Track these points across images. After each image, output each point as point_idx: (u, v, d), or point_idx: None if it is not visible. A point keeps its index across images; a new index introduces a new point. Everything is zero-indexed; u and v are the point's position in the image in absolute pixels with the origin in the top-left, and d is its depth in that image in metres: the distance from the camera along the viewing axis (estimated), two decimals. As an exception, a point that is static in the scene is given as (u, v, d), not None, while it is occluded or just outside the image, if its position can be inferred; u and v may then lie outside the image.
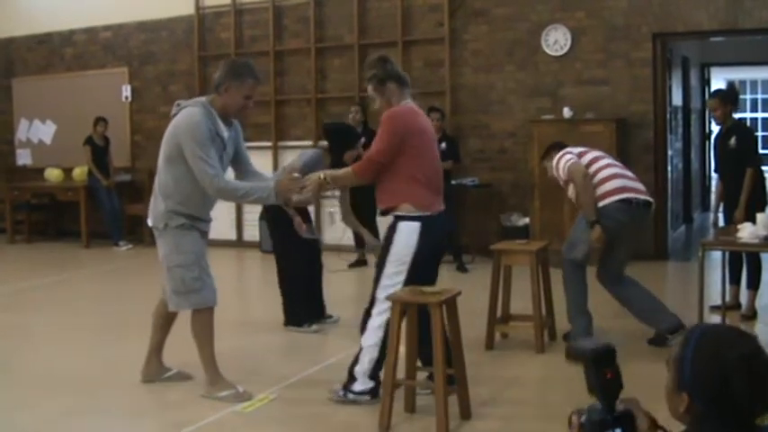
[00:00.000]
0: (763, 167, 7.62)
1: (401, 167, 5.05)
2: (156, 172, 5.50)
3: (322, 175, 5.20)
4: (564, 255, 6.59)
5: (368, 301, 5.25)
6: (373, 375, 5.19)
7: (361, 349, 5.21)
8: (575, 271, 6.54)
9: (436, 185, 5.24)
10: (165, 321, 5.82)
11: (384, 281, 5.11)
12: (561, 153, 6.69)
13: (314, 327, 7.31)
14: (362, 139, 10.52)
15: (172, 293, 5.46)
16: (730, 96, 7.59)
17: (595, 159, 6.57)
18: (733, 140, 7.40)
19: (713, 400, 2.08)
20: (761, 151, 8.44)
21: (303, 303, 7.38)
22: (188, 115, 5.25)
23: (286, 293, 7.38)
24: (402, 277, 5.06)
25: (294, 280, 7.33)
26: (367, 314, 5.22)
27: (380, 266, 5.16)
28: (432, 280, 5.23)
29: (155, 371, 5.88)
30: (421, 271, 5.08)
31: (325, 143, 7.74)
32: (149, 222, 5.56)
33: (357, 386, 5.23)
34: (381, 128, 5.08)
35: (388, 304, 4.94)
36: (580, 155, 6.60)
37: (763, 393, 2.06)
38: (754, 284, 7.45)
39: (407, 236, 5.05)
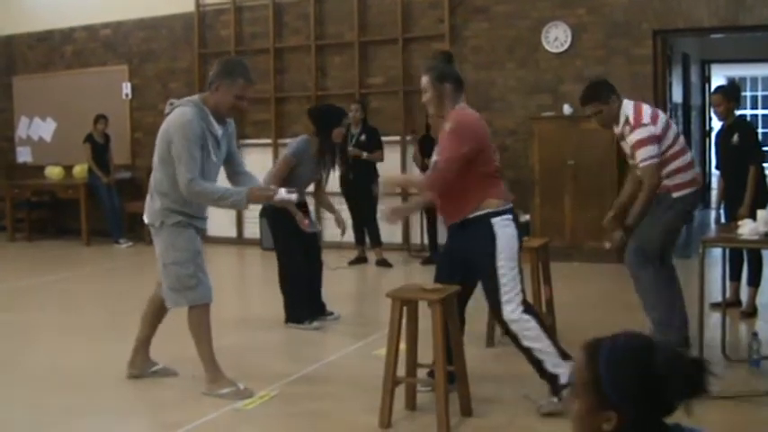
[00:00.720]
0: (765, 164, 7.58)
1: (471, 169, 4.95)
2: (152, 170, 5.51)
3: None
4: (636, 261, 6.19)
5: (492, 312, 5.27)
6: (564, 356, 4.93)
7: (528, 351, 5.01)
8: (658, 271, 6.19)
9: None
10: (154, 317, 5.85)
11: (505, 283, 4.97)
12: (635, 117, 6.00)
13: (314, 324, 7.31)
14: (363, 136, 10.62)
15: (168, 290, 5.48)
16: (733, 93, 7.56)
17: (675, 139, 6.09)
18: (735, 137, 7.36)
19: (644, 403, 2.07)
20: (765, 149, 8.42)
21: (304, 301, 7.38)
22: (180, 114, 5.27)
23: (287, 291, 7.39)
24: (517, 270, 5.01)
25: (295, 277, 7.33)
26: (502, 323, 5.09)
27: (492, 272, 4.98)
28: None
29: (140, 365, 5.89)
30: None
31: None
32: (146, 220, 5.59)
33: (563, 378, 4.87)
34: (451, 136, 4.95)
35: (517, 301, 4.97)
36: (661, 136, 5.99)
37: (681, 380, 2.06)
38: (755, 282, 7.45)
39: (506, 228, 5.00)
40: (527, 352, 4.99)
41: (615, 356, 2.09)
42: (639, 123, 5.92)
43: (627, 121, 6.00)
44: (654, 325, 6.09)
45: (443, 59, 5.26)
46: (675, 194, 6.02)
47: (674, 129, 6.14)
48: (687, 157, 6.12)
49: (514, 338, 5.02)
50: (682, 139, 6.18)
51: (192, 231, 5.49)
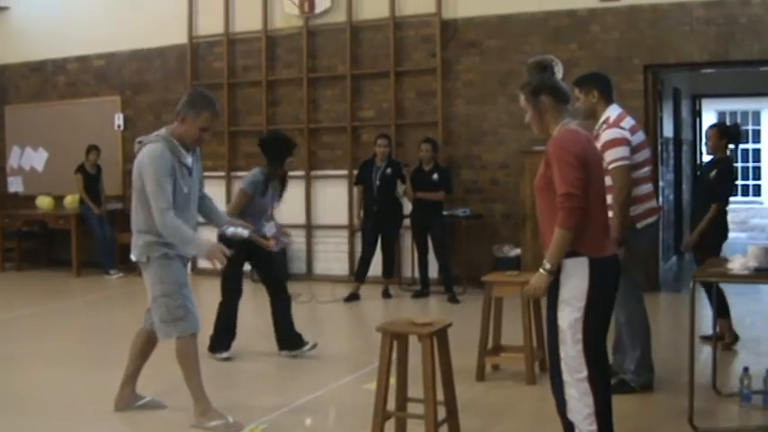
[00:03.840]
0: (728, 207, 7.75)
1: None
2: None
3: (542, 269, 4.28)
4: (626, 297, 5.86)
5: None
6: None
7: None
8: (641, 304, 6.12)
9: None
10: (142, 351, 5.85)
11: None
12: (615, 119, 5.96)
13: (224, 354, 7.40)
14: (388, 170, 10.63)
15: (160, 323, 5.47)
16: (728, 132, 7.68)
17: (644, 163, 6.05)
18: (713, 173, 7.53)
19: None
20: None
21: (222, 331, 7.46)
22: (150, 150, 5.34)
23: (220, 320, 7.49)
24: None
25: (227, 307, 7.45)
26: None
27: None
28: None
29: (127, 399, 5.88)
30: None
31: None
32: (133, 258, 5.60)
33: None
34: (556, 161, 4.22)
35: (581, 359, 4.29)
36: (634, 149, 5.93)
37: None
38: (722, 313, 7.40)
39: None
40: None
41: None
42: (616, 125, 5.95)
43: (606, 120, 6.02)
44: (634, 364, 6.07)
45: (536, 71, 4.75)
46: (639, 225, 6.00)
47: (646, 153, 6.12)
48: (650, 187, 6.13)
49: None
50: (649, 168, 6.13)
51: (179, 262, 5.51)
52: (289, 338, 7.46)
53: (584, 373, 4.25)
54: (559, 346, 4.32)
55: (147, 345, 5.81)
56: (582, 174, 4.16)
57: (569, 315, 4.25)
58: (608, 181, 5.77)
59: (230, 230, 5.82)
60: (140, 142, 5.48)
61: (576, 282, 4.23)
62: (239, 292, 7.53)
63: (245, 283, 7.69)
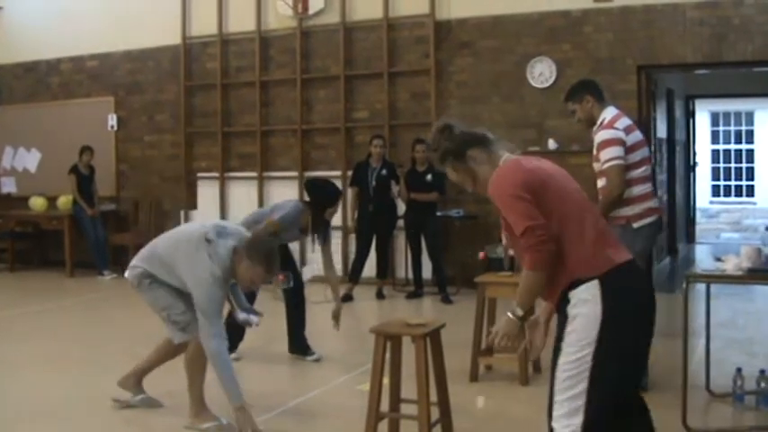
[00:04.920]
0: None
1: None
2: (155, 240, 5.63)
3: (510, 314, 3.62)
4: None
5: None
6: None
7: None
8: None
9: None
10: (162, 355, 5.89)
11: None
12: (610, 120, 5.99)
13: (232, 356, 7.38)
14: (384, 171, 10.63)
15: (170, 331, 5.56)
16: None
17: (641, 163, 6.02)
18: None
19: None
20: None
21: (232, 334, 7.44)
22: (206, 269, 5.19)
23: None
24: None
25: None
26: None
27: None
28: None
29: (129, 385, 5.94)
30: None
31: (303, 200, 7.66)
32: (126, 275, 5.66)
33: None
34: (501, 205, 3.56)
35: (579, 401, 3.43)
36: (629, 149, 5.93)
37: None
38: None
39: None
40: None
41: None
42: (611, 126, 5.95)
43: (602, 122, 6.02)
44: None
45: (443, 136, 3.88)
46: (636, 225, 5.97)
47: (644, 153, 6.08)
48: (647, 187, 6.07)
49: None
50: (648, 167, 6.10)
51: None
52: (296, 343, 7.47)
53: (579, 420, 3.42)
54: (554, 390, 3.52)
55: (168, 352, 5.84)
56: (531, 201, 3.46)
57: (574, 354, 3.44)
58: (600, 183, 5.80)
59: (242, 316, 5.81)
60: (209, 241, 5.29)
61: (586, 310, 3.42)
62: (252, 295, 7.49)
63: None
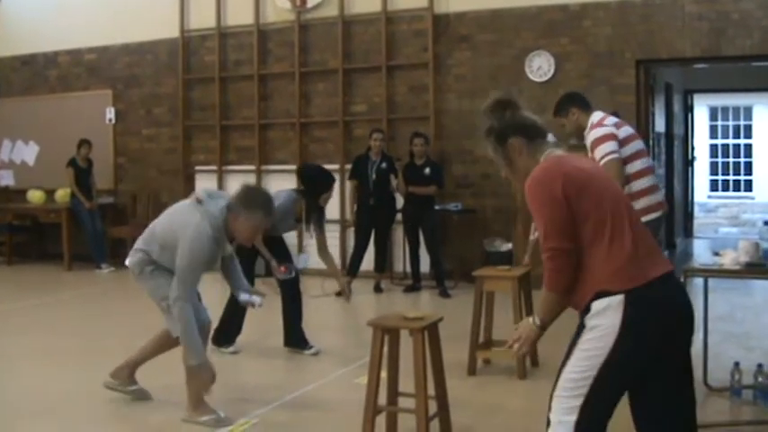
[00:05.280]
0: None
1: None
2: (154, 221, 5.63)
3: (532, 321, 3.58)
4: None
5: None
6: None
7: None
8: None
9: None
10: (156, 347, 5.90)
11: None
12: (598, 120, 6.05)
13: (231, 348, 7.44)
14: (383, 164, 10.63)
15: (169, 323, 5.53)
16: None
17: (637, 155, 6.05)
18: None
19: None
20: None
21: (231, 327, 7.49)
22: (198, 233, 5.21)
23: (227, 315, 7.49)
24: None
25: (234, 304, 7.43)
26: None
27: None
28: None
29: (121, 377, 5.94)
30: None
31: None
32: (127, 264, 5.68)
33: None
34: (533, 211, 3.50)
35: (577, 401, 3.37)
36: (622, 142, 5.98)
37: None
38: None
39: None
40: None
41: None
42: (600, 124, 6.01)
43: (591, 124, 6.08)
44: None
45: (496, 112, 3.69)
46: (644, 219, 5.98)
47: (638, 146, 6.10)
48: (651, 179, 6.10)
49: None
50: (646, 159, 6.14)
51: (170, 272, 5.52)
52: (293, 336, 7.46)
53: (574, 418, 3.36)
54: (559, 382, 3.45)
55: (164, 344, 5.84)
56: (564, 213, 3.35)
57: (584, 354, 3.35)
58: None
59: (243, 297, 5.79)
60: (200, 201, 5.36)
61: (605, 322, 3.28)
62: (251, 279, 7.50)
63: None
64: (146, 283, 5.55)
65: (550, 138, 3.70)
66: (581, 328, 3.37)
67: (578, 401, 3.33)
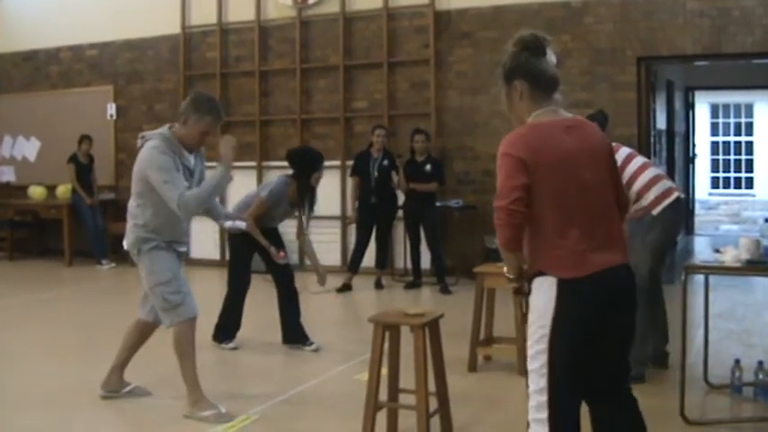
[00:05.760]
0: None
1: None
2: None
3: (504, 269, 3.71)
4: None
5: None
6: None
7: None
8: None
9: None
10: (135, 341, 5.88)
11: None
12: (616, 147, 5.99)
13: (231, 344, 7.45)
14: (385, 161, 10.63)
15: (161, 312, 5.51)
16: None
17: (628, 159, 6.17)
18: None
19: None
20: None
21: (232, 323, 7.51)
22: (150, 148, 5.35)
23: (226, 310, 7.52)
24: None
25: (236, 299, 7.49)
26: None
27: None
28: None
29: (114, 384, 5.91)
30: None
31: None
32: (125, 246, 5.62)
33: None
34: (498, 168, 3.55)
35: (542, 381, 3.47)
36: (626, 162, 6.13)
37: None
38: None
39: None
40: None
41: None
42: None
43: None
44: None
45: (514, 50, 3.85)
46: (654, 212, 6.05)
47: (639, 161, 6.20)
48: (651, 172, 6.16)
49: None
50: (637, 159, 6.21)
51: (171, 252, 5.53)
52: (293, 332, 7.47)
53: (545, 415, 3.45)
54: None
55: (141, 336, 5.85)
56: (522, 179, 3.39)
57: (534, 343, 3.49)
58: None
59: (228, 224, 5.83)
60: (143, 137, 5.49)
61: (542, 302, 3.47)
62: (247, 283, 7.52)
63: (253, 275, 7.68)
64: (143, 261, 5.50)
65: (557, 96, 3.66)
66: (527, 305, 3.58)
67: (544, 397, 3.45)
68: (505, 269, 3.68)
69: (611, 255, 3.49)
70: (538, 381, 3.46)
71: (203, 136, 5.46)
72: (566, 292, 3.40)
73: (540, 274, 3.47)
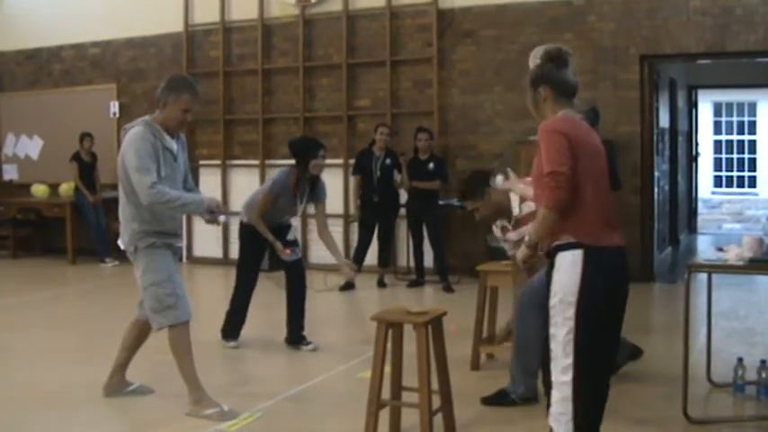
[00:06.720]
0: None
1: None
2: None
3: (526, 238, 4.04)
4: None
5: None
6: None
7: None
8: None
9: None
10: (134, 341, 5.87)
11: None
12: None
13: (232, 343, 7.46)
14: (387, 160, 10.63)
15: (151, 312, 5.49)
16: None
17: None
18: None
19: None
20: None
21: (238, 321, 7.52)
22: (130, 135, 5.39)
23: (234, 308, 7.53)
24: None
25: (243, 297, 7.49)
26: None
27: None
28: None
29: (116, 386, 5.91)
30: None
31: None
32: (121, 246, 5.62)
33: None
34: (543, 143, 3.90)
35: (568, 360, 3.82)
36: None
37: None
38: None
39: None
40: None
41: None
42: None
43: None
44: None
45: (546, 59, 4.46)
46: None
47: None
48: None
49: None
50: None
51: (167, 252, 5.54)
52: (292, 334, 7.47)
53: (570, 376, 3.79)
54: (550, 347, 3.86)
55: (139, 335, 5.84)
56: (566, 145, 3.80)
57: (560, 314, 3.81)
58: None
59: (208, 217, 5.77)
60: (125, 129, 5.54)
61: (567, 275, 3.80)
62: (254, 282, 7.52)
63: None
64: (139, 259, 5.51)
65: (576, 102, 4.20)
66: (550, 266, 3.92)
67: (570, 359, 3.81)
68: (526, 239, 4.03)
69: (620, 236, 3.99)
70: (564, 347, 3.82)
71: (185, 114, 5.45)
72: (592, 260, 3.81)
73: (561, 249, 3.86)
